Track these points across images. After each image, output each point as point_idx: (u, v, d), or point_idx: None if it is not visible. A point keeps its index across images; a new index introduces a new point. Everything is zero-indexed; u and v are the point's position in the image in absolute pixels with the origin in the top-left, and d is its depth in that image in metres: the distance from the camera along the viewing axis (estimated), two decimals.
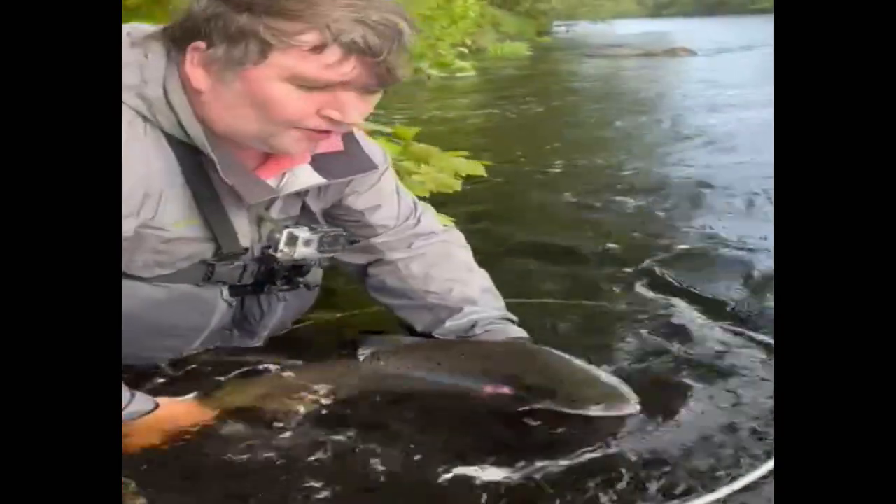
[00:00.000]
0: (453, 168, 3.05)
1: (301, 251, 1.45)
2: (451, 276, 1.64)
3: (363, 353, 1.50)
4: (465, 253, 1.73)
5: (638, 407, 1.33)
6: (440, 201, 2.61)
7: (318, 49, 1.18)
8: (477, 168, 3.15)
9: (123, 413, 1.26)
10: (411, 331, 1.64)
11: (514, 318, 1.64)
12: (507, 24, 20.71)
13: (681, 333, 1.73)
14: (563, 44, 23.15)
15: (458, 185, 3.03)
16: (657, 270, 2.24)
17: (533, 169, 4.17)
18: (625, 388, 1.36)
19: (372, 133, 3.18)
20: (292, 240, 1.45)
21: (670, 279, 2.16)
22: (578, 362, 1.45)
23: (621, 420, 1.32)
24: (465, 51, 12.75)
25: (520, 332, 1.60)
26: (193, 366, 1.52)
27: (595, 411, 1.32)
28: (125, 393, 1.29)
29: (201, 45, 1.22)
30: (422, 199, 1.75)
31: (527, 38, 21.20)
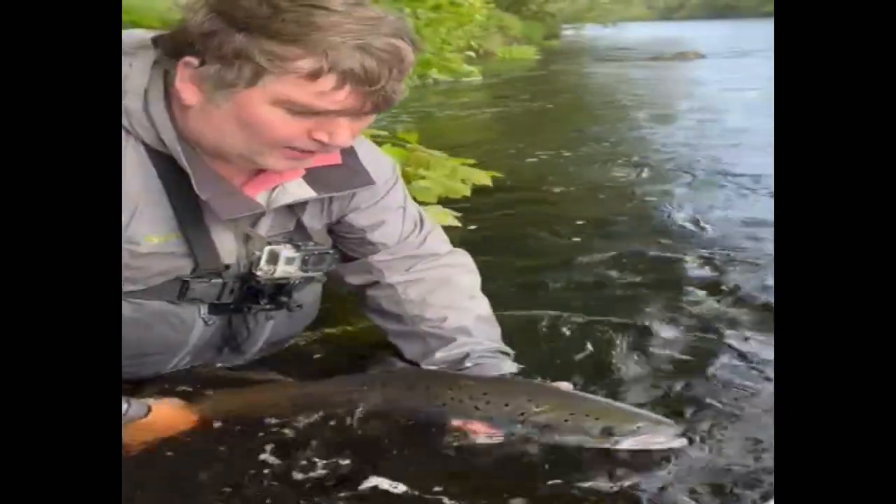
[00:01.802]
0: (461, 175, 3.02)
1: (283, 269, 1.40)
2: (447, 304, 1.55)
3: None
4: (468, 278, 1.64)
5: (683, 440, 1.24)
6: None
7: (314, 76, 1.14)
8: (483, 178, 3.11)
9: (123, 418, 1.24)
10: (399, 357, 1.56)
11: (509, 350, 1.55)
12: (514, 27, 20.64)
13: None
14: (571, 48, 23.11)
15: (466, 191, 3.02)
16: None
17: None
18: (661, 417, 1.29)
19: (374, 138, 3.12)
20: (273, 258, 1.39)
21: None
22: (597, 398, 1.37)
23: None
24: (473, 55, 12.67)
25: (512, 367, 1.51)
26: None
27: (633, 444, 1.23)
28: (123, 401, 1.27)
29: (193, 61, 1.17)
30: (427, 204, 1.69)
31: (535, 41, 21.15)
